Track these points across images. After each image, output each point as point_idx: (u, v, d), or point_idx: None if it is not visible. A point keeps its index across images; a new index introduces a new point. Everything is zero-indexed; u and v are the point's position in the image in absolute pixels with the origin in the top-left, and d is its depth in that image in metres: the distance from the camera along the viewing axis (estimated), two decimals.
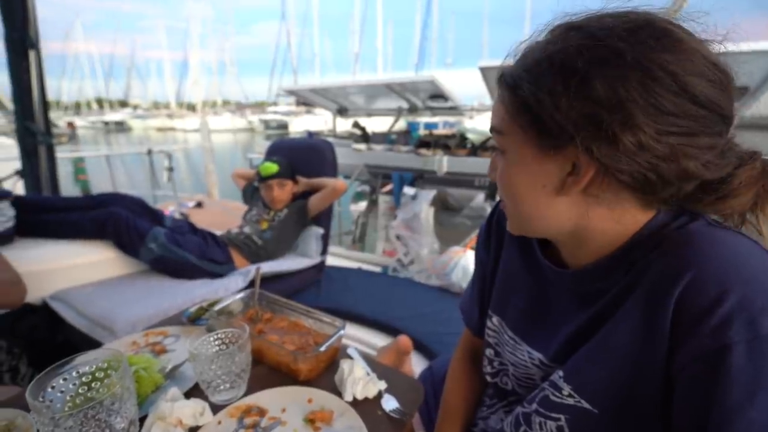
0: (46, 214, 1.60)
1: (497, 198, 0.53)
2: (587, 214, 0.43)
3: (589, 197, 0.42)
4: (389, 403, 0.66)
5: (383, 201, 3.13)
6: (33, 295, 1.46)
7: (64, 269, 1.51)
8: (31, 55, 1.89)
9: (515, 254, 0.59)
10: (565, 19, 0.42)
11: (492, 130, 0.47)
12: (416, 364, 1.31)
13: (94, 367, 0.55)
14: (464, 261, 1.98)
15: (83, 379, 0.54)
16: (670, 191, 0.40)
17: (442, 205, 3.08)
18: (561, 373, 0.47)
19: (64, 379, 0.53)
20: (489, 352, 0.64)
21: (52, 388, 0.51)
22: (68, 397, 0.52)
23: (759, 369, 0.33)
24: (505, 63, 0.45)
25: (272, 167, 1.84)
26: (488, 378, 0.65)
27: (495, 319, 0.62)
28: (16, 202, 1.56)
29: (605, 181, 0.40)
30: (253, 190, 2.06)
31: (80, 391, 0.53)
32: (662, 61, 0.35)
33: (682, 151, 0.37)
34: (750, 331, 0.33)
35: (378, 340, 1.49)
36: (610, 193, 0.41)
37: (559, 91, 0.38)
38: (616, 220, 0.42)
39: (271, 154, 2.09)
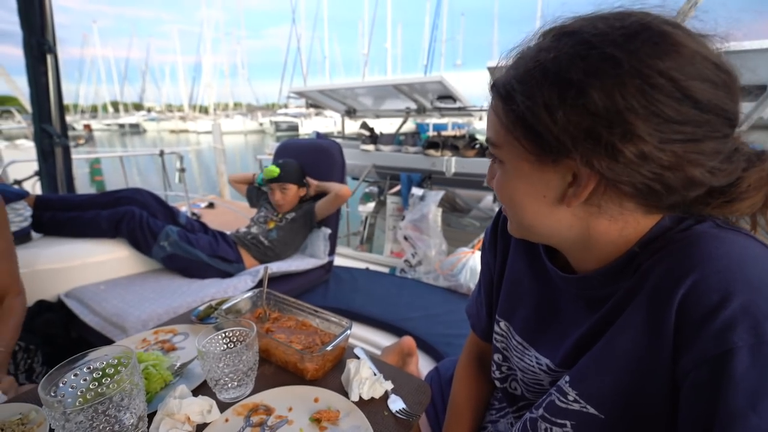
0: (64, 212, 1.64)
1: None
2: (589, 223, 0.42)
3: (591, 207, 0.41)
4: (396, 404, 0.66)
5: (391, 202, 3.13)
6: (49, 293, 1.51)
7: (79, 267, 1.55)
8: (49, 59, 1.94)
9: (522, 259, 0.58)
10: (557, 22, 0.40)
11: (488, 141, 0.46)
12: (423, 365, 1.31)
13: (105, 363, 0.55)
14: (472, 262, 1.97)
15: (94, 375, 0.55)
16: (675, 199, 0.39)
17: (450, 206, 3.06)
18: (567, 378, 0.46)
19: (75, 375, 0.54)
20: (497, 357, 0.63)
21: (64, 383, 0.52)
22: (79, 393, 0.53)
23: (762, 375, 0.32)
24: (499, 65, 0.44)
25: (274, 171, 1.83)
26: (497, 383, 0.64)
27: (503, 324, 0.61)
28: (36, 201, 1.60)
29: (607, 192, 0.39)
30: (257, 191, 2.07)
31: (91, 386, 0.54)
32: (661, 67, 0.34)
33: (686, 159, 0.36)
34: (754, 336, 0.32)
35: (385, 340, 1.49)
36: (613, 202, 0.40)
37: (555, 105, 0.37)
38: (620, 227, 0.42)
39: (278, 155, 2.10)
